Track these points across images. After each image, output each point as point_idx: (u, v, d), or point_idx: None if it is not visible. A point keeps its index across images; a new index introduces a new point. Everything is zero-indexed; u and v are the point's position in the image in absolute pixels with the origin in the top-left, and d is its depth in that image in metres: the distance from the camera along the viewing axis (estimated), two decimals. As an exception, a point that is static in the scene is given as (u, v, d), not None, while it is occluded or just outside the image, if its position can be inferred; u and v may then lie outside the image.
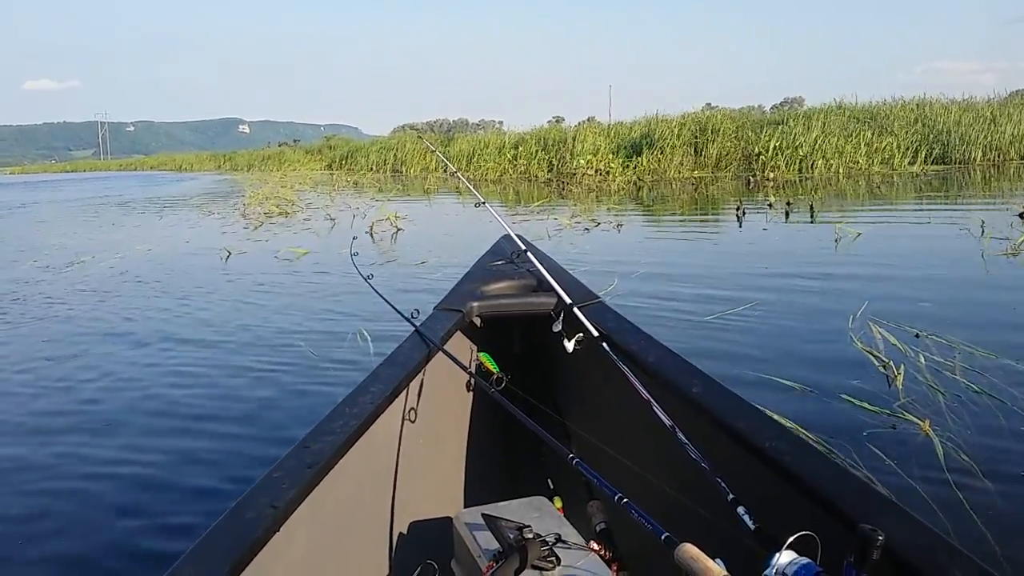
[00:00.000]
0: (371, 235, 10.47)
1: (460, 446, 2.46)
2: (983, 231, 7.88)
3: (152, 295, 7.01)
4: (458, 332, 2.40)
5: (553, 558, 1.44)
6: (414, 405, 2.11)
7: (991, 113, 22.06)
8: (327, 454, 1.61)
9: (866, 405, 3.23)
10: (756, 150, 20.61)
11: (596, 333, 2.16)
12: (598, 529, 1.92)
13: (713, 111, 23.32)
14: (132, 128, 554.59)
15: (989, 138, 20.58)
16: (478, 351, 2.48)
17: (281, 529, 1.43)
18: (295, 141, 79.04)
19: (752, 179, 18.23)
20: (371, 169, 34.30)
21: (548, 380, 2.64)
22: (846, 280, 6.04)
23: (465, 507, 1.95)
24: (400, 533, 1.97)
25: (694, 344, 4.28)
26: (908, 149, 20.23)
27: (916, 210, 11.16)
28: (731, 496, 1.40)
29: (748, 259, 7.14)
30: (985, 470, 2.65)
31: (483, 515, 1.57)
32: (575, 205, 14.29)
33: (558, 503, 2.08)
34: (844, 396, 3.34)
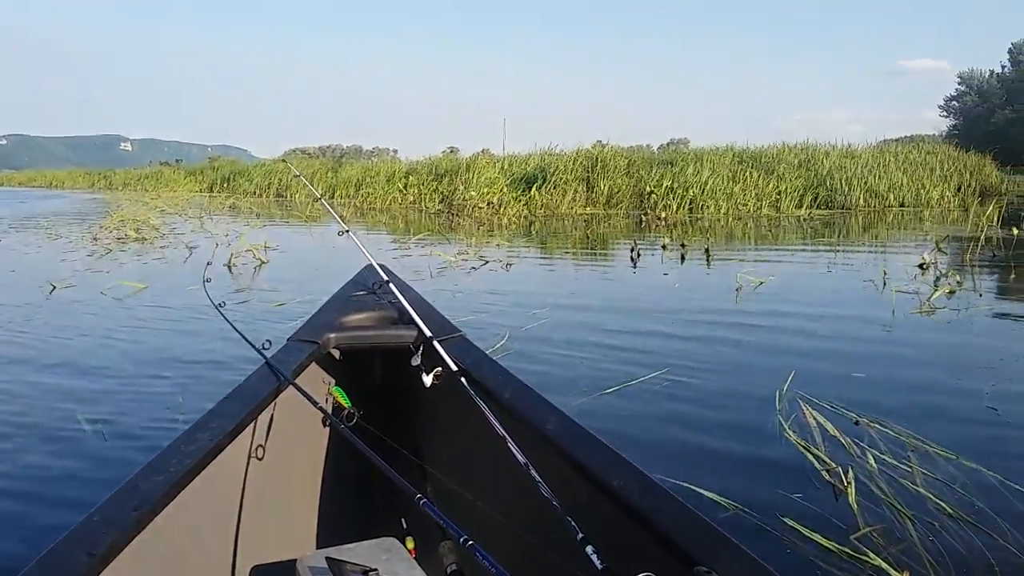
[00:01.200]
0: (230, 268, 9.33)
1: (311, 485, 2.34)
2: (885, 283, 7.52)
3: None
4: (312, 364, 2.30)
5: None
6: (261, 441, 2.00)
7: (870, 160, 22.75)
8: (156, 495, 1.50)
9: (818, 538, 2.46)
10: (648, 189, 20.41)
11: (455, 367, 2.12)
12: (449, 571, 1.81)
13: (604, 148, 23.08)
14: (4, 142, 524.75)
15: (870, 184, 21.11)
16: (333, 384, 2.37)
17: None
18: (178, 161, 75.92)
19: (644, 218, 17.92)
20: (254, 193, 32.81)
21: (406, 415, 2.58)
22: (761, 341, 5.40)
23: (312, 550, 1.85)
24: None
25: (593, 427, 3.46)
26: (795, 193, 20.48)
27: (812, 256, 10.85)
28: (580, 535, 1.39)
29: (650, 312, 6.42)
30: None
31: (327, 558, 1.52)
32: (464, 239, 13.51)
33: (411, 544, 1.97)
34: (788, 520, 2.57)
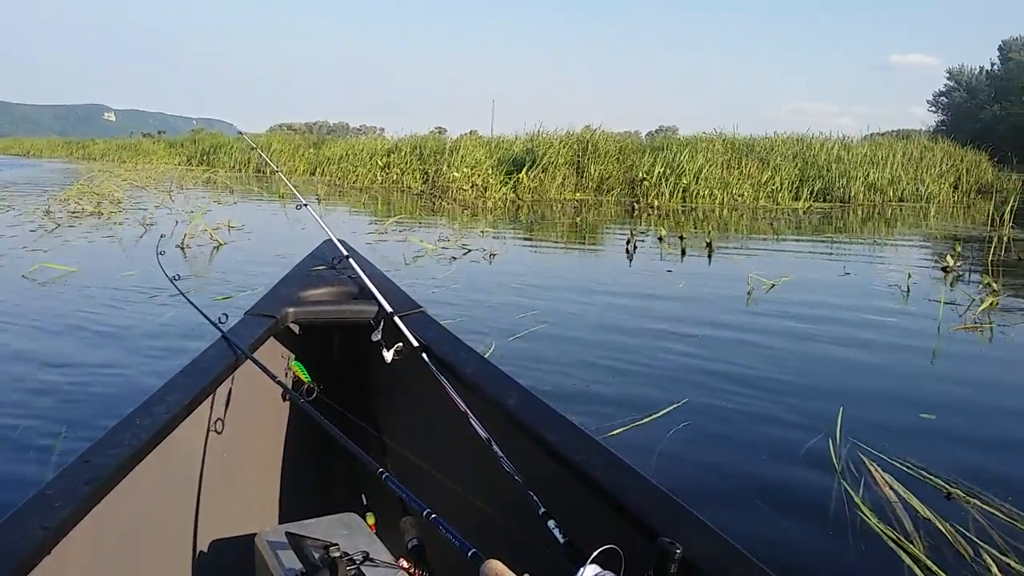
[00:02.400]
0: (183, 250, 8.40)
1: (270, 460, 2.29)
2: (909, 288, 6.73)
3: None
4: (271, 339, 2.25)
5: None
6: (218, 415, 1.95)
7: (868, 153, 22.02)
8: (110, 469, 1.45)
9: None
10: (640, 175, 19.59)
11: (416, 343, 2.10)
12: (410, 546, 1.78)
13: (595, 131, 22.17)
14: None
15: (870, 178, 20.39)
16: (293, 359, 2.32)
17: (52, 552, 1.27)
18: (160, 132, 74.56)
19: (636, 206, 17.09)
20: (233, 167, 31.70)
21: (366, 391, 2.55)
22: (791, 363, 4.54)
23: (272, 525, 1.72)
24: (197, 554, 1.81)
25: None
26: (791, 184, 19.74)
27: (822, 254, 10.03)
28: (543, 510, 1.39)
29: (655, 321, 5.54)
30: None
31: (287, 533, 1.50)
32: (446, 223, 12.62)
33: (371, 519, 1.96)
34: None
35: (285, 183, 3.50)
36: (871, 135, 27.77)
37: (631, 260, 8.79)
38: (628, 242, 9.37)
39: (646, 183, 19.07)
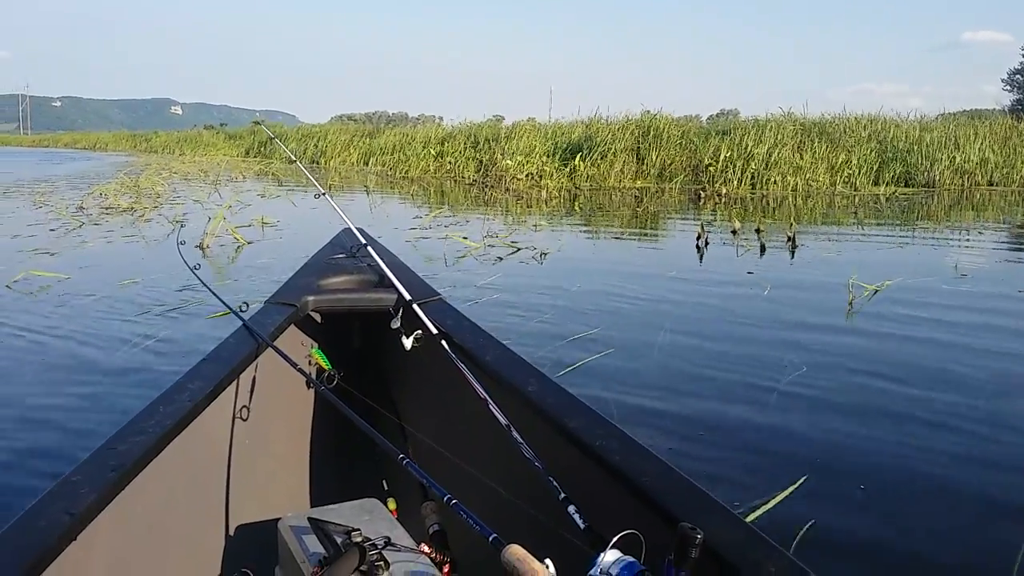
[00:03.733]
0: (202, 250, 7.65)
1: (292, 446, 2.35)
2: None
3: None
4: (291, 327, 2.28)
5: (382, 562, 1.35)
6: (240, 403, 1.98)
7: (954, 133, 20.30)
8: (135, 455, 1.47)
9: None
10: (705, 161, 18.37)
11: (435, 331, 2.11)
12: (431, 531, 1.79)
13: (656, 116, 20.94)
14: (59, 104, 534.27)
15: (957, 160, 18.78)
16: (313, 347, 2.34)
17: (78, 538, 1.28)
18: (222, 125, 75.66)
19: (701, 193, 15.90)
20: (288, 159, 31.27)
21: (385, 378, 2.56)
22: (932, 414, 3.44)
23: (295, 511, 1.66)
24: (222, 539, 1.84)
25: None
26: (870, 168, 18.27)
27: (922, 248, 8.74)
28: (563, 495, 1.40)
29: (744, 343, 4.50)
30: None
31: (310, 519, 1.50)
32: (497, 216, 11.70)
33: (392, 505, 1.97)
34: None
35: (305, 173, 3.56)
36: (942, 115, 25.87)
37: (702, 257, 7.74)
38: (699, 238, 8.26)
39: (712, 169, 17.86)
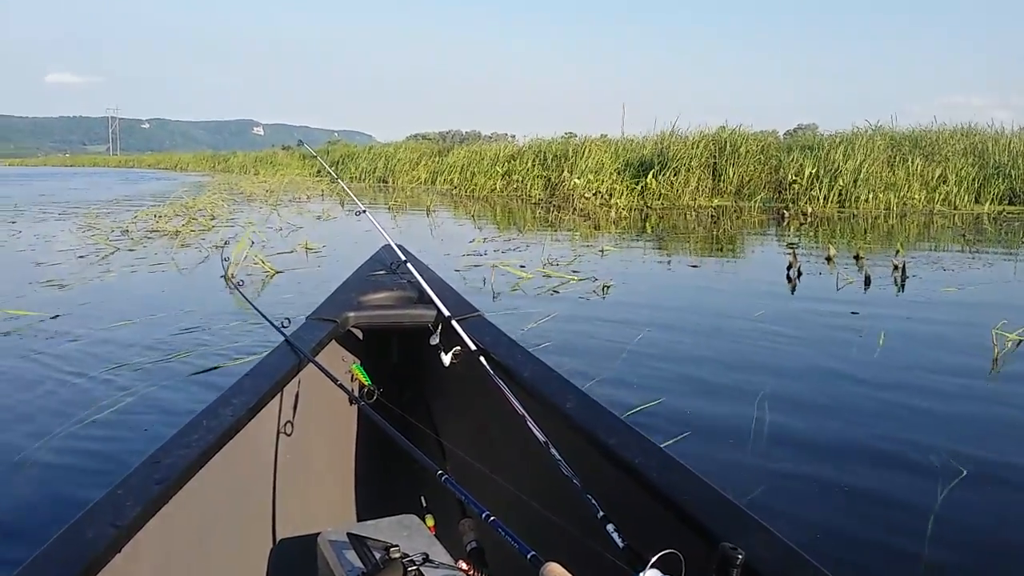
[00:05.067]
0: (227, 282, 6.93)
1: (332, 461, 2.36)
2: None
3: None
4: (332, 342, 2.30)
5: None
6: (281, 418, 2.01)
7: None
8: (179, 469, 1.49)
9: None
10: (788, 177, 17.11)
11: (473, 347, 2.13)
12: (469, 548, 1.75)
13: (733, 131, 19.73)
14: (147, 125, 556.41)
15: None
16: (353, 363, 2.34)
17: (123, 550, 1.30)
18: (299, 144, 77.03)
19: (785, 212, 14.66)
20: (359, 177, 31.07)
21: (424, 394, 2.57)
22: None
23: (334, 525, 1.71)
24: (262, 553, 1.87)
25: None
26: (970, 184, 16.71)
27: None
28: (601, 513, 1.39)
29: (871, 419, 3.45)
30: None
31: (349, 534, 1.53)
32: (560, 238, 10.77)
33: (430, 521, 1.91)
34: None
35: (346, 191, 3.47)
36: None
37: (794, 290, 6.65)
38: (790, 267, 7.14)
39: (796, 186, 16.61)
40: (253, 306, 2.57)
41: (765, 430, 3.31)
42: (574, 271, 7.49)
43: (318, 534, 1.65)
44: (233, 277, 6.97)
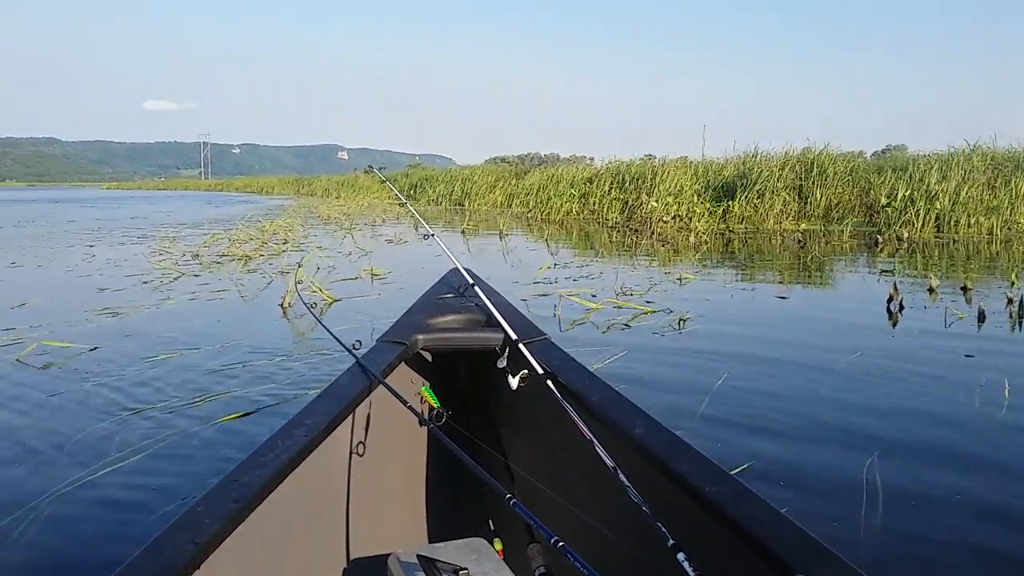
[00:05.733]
0: (284, 311, 6.65)
1: (401, 482, 2.38)
2: None
3: None
4: (402, 364, 2.34)
5: None
6: (351, 439, 2.03)
7: None
8: (255, 488, 1.51)
9: None
10: (880, 199, 16.19)
11: (541, 370, 2.11)
12: (538, 573, 1.77)
13: (820, 152, 18.85)
14: (238, 151, 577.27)
15: None
16: (421, 385, 2.35)
17: (202, 567, 1.32)
18: (381, 168, 78.48)
19: (878, 237, 13.77)
20: (436, 200, 31.10)
21: (492, 416, 2.60)
22: None
23: (403, 547, 1.72)
24: (335, 572, 1.90)
25: None
26: (1082, 206, 15.48)
27: None
28: (671, 542, 1.34)
29: (996, 495, 2.87)
30: None
31: (419, 556, 1.55)
32: (636, 264, 10.24)
33: (499, 545, 1.92)
34: None
35: (413, 214, 3.56)
36: None
37: (896, 325, 5.98)
38: (891, 300, 6.46)
39: (889, 209, 15.67)
40: (325, 327, 2.61)
41: (875, 502, 2.75)
42: (647, 302, 6.95)
43: (389, 555, 1.66)
44: (290, 306, 6.73)
